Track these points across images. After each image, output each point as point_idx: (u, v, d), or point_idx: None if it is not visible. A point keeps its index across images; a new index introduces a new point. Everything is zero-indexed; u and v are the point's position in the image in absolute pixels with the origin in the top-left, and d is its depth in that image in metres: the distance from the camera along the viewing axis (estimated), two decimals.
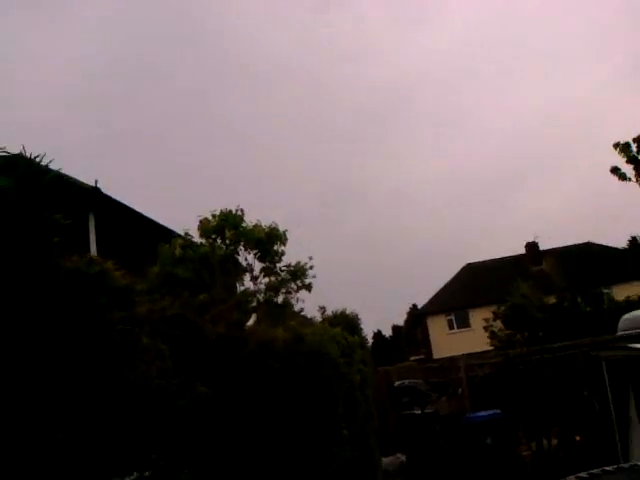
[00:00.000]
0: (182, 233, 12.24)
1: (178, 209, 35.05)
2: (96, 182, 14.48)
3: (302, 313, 12.90)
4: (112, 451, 3.63)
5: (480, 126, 79.48)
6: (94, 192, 14.35)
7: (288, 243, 12.86)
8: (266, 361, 6.24)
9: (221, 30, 77.15)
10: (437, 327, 47.47)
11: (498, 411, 14.38)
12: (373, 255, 79.36)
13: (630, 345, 8.70)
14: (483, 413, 14.48)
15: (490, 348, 26.81)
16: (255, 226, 12.59)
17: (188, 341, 5.00)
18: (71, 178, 16.75)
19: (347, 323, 11.53)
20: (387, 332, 67.72)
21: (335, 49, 79.99)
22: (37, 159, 3.89)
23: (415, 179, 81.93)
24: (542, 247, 48.99)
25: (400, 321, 66.88)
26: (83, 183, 15.27)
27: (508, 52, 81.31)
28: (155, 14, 70.66)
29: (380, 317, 73.14)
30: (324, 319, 11.69)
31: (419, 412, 17.14)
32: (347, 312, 12.16)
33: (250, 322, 9.33)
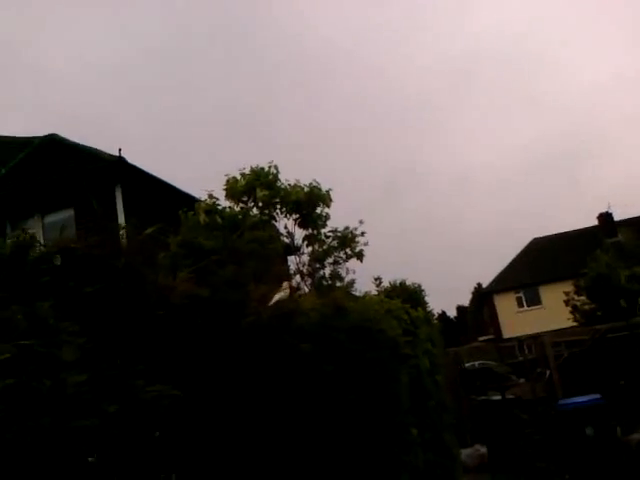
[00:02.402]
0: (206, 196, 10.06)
1: None
2: (120, 151, 12.97)
3: (353, 285, 10.54)
4: None
5: (546, 102, 75.01)
6: (119, 163, 12.92)
7: (333, 205, 10.47)
8: (284, 340, 3.90)
9: (286, 15, 75.45)
10: (505, 306, 44.05)
11: (598, 396, 11.58)
12: (435, 235, 76.16)
13: None
14: (580, 399, 11.71)
15: (566, 325, 23.92)
16: (294, 186, 10.25)
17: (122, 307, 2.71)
18: (98, 151, 15.21)
19: (408, 295, 9.07)
20: (452, 313, 64.40)
21: (396, 31, 76.91)
22: None
23: (479, 157, 78.30)
24: (616, 218, 44.71)
25: (465, 301, 63.43)
26: (109, 155, 13.82)
27: (570, 26, 76.11)
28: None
29: (444, 298, 69.70)
30: (380, 292, 9.26)
31: (499, 398, 14.52)
32: (408, 283, 9.67)
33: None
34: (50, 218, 14.49)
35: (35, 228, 14.45)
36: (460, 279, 78.57)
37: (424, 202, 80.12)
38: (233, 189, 9.75)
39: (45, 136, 18.04)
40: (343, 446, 4.70)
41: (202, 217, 9.64)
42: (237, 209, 9.96)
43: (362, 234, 10.80)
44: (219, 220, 9.80)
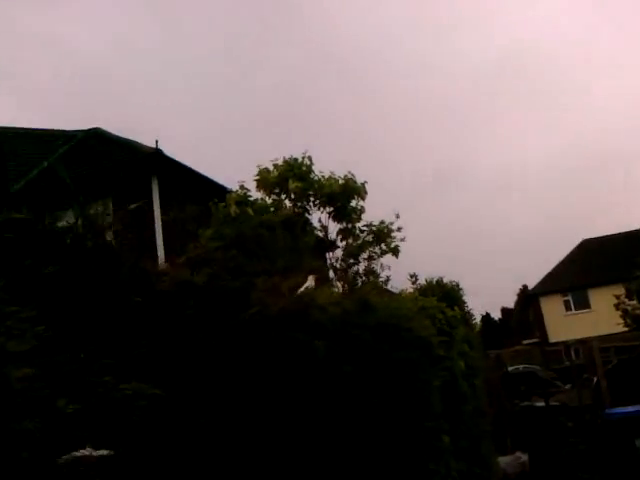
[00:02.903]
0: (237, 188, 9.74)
1: None
2: (157, 143, 12.84)
3: (388, 282, 10.05)
4: None
5: (599, 101, 72.60)
6: (156, 155, 12.80)
7: (368, 197, 10.00)
8: (293, 336, 3.50)
9: (336, 7, 75.23)
10: (552, 308, 42.60)
11: None
12: (480, 234, 74.55)
13: None
14: (629, 408, 10.96)
15: (616, 330, 22.82)
16: (328, 178, 9.83)
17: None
18: (137, 143, 15.16)
19: (445, 294, 8.55)
20: (496, 314, 62.80)
21: (445, 22, 75.58)
22: None
23: (530, 156, 76.34)
24: None
25: (510, 303, 61.76)
26: (147, 147, 13.76)
27: (625, 20, 73.28)
28: None
29: (488, 299, 68.07)
30: (415, 290, 8.77)
31: (543, 404, 13.79)
32: (445, 281, 9.14)
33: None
34: (89, 210, 14.39)
35: (73, 220, 14.48)
36: (505, 280, 76.66)
37: (470, 200, 78.58)
38: (265, 180, 9.39)
39: (89, 130, 18.14)
40: (363, 454, 4.27)
41: (233, 209, 9.33)
42: (269, 201, 9.60)
43: (399, 229, 10.29)
44: (251, 212, 9.47)
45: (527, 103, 78.64)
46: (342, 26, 73.83)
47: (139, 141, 15.07)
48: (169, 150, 13.01)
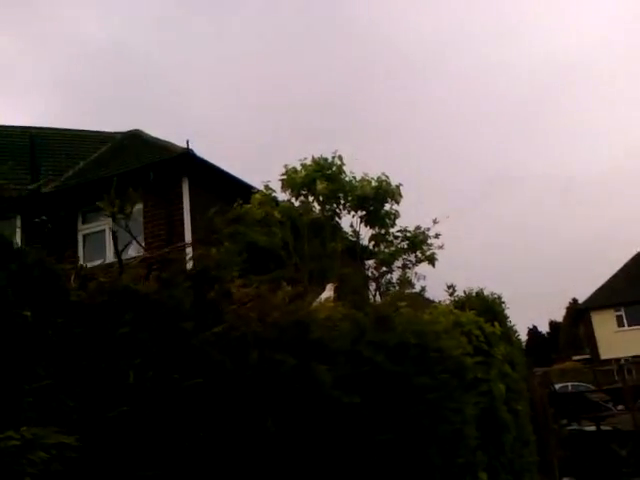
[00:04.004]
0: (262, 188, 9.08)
1: None
2: (187, 143, 12.44)
3: (423, 293, 9.19)
4: None
5: None
6: (186, 155, 12.38)
7: (405, 202, 9.19)
8: (279, 362, 2.78)
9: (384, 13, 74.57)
10: (604, 324, 40.55)
11: None
12: (530, 244, 72.19)
13: None
14: None
15: None
16: (360, 180, 9.08)
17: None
18: (170, 144, 14.78)
19: (485, 307, 7.65)
20: (543, 329, 60.46)
21: (505, 23, 73.73)
22: None
23: (582, 163, 73.63)
24: None
25: (559, 317, 59.36)
26: (181, 147, 13.39)
27: None
28: None
29: (536, 312, 65.65)
30: (452, 302, 7.89)
31: (593, 428, 12.63)
32: (485, 293, 8.22)
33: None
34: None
35: (105, 220, 14.16)
36: (555, 293, 73.86)
37: (519, 208, 76.23)
38: (292, 180, 8.70)
39: (127, 131, 17.93)
40: None
41: (258, 211, 8.67)
42: (296, 203, 8.90)
43: (436, 236, 9.44)
44: (277, 215, 8.79)
45: (583, 107, 75.94)
46: (390, 27, 73.03)
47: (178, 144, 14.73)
48: (210, 152, 12.51)
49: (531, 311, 68.07)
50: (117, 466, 2.01)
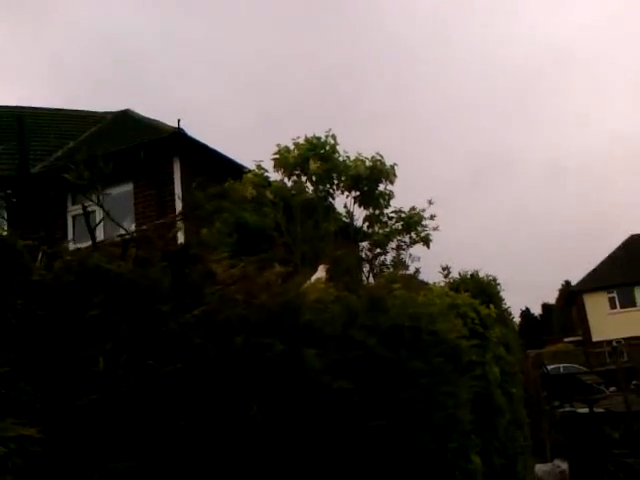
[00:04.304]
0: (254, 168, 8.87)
1: None
2: (178, 122, 12.20)
3: (417, 275, 9.04)
4: None
5: None
6: (177, 135, 12.14)
7: (397, 181, 8.99)
8: (266, 346, 2.62)
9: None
10: (596, 306, 40.68)
11: None
12: (522, 227, 72.19)
13: None
14: None
15: None
16: (355, 159, 8.87)
17: None
18: (161, 124, 14.52)
19: (480, 290, 7.52)
20: (536, 310, 60.64)
21: (489, 10, 73.04)
22: None
23: (576, 146, 73.40)
24: None
25: (551, 299, 59.57)
26: (171, 127, 13.16)
27: None
28: None
29: (528, 294, 65.80)
30: (447, 284, 7.75)
31: (586, 410, 12.60)
32: (480, 275, 8.08)
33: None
34: (110, 191, 13.89)
35: (95, 201, 13.95)
36: (547, 275, 74.07)
37: (515, 191, 76.11)
38: (284, 159, 8.48)
39: (118, 111, 17.64)
40: None
41: (249, 191, 8.46)
42: (289, 183, 8.70)
43: (432, 217, 9.26)
44: (269, 195, 8.59)
45: (578, 88, 75.54)
46: (385, 8, 72.22)
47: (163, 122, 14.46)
48: (204, 134, 12.25)
49: (524, 294, 68.19)
50: (87, 458, 1.85)
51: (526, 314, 55.35)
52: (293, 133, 8.73)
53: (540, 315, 60.54)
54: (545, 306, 60.88)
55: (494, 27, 75.70)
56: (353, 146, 8.94)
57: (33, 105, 18.38)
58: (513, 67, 74.16)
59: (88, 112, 18.53)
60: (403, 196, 9.51)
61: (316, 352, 3.08)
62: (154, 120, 15.15)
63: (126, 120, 16.57)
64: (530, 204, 74.90)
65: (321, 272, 5.42)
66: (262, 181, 8.54)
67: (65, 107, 18.81)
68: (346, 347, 3.42)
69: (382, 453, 3.56)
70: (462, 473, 5.07)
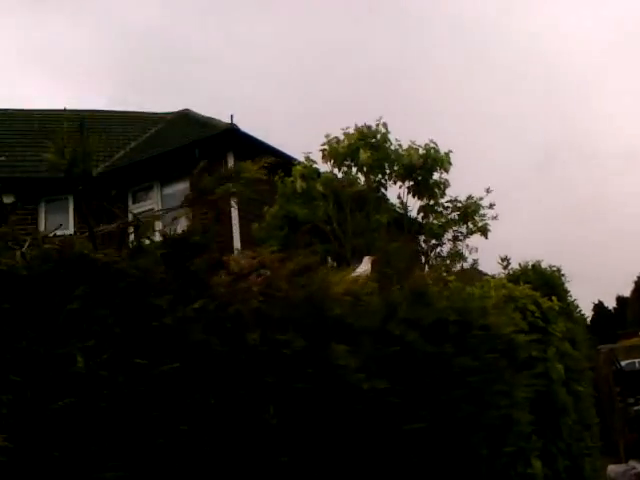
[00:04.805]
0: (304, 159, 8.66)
1: None
2: (231, 118, 12.22)
3: (476, 266, 8.60)
4: None
5: None
6: (230, 131, 12.16)
7: (453, 169, 8.57)
8: (282, 343, 2.38)
9: None
10: None
11: None
12: (596, 218, 69.04)
13: None
14: None
15: None
16: (407, 148, 8.52)
17: None
18: (216, 121, 14.58)
19: (542, 281, 7.02)
20: (610, 304, 57.81)
21: None
22: None
23: None
24: None
25: (626, 292, 56.66)
26: (223, 122, 13.22)
27: None
28: None
29: (601, 287, 62.68)
30: (506, 276, 7.29)
31: None
32: (543, 266, 7.56)
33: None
34: (167, 190, 14.13)
35: (154, 199, 14.13)
36: (623, 266, 70.55)
37: (586, 179, 72.89)
38: (334, 150, 8.22)
39: (178, 112, 17.88)
40: None
41: (299, 183, 8.25)
42: (339, 174, 8.44)
43: (491, 206, 8.78)
44: (320, 187, 8.36)
45: None
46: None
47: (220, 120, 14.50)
48: (257, 127, 12.16)
49: (597, 286, 65.22)
50: (65, 468, 1.65)
51: (599, 307, 52.90)
52: (343, 124, 8.39)
53: (614, 308, 57.71)
54: (620, 299, 57.99)
55: (571, 10, 72.35)
56: (407, 134, 8.61)
57: (97, 108, 18.91)
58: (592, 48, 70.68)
59: (149, 113, 18.89)
60: (463, 184, 9.07)
61: (347, 348, 2.82)
62: (211, 118, 15.24)
63: (184, 120, 16.78)
64: (608, 193, 71.27)
65: (366, 265, 5.13)
66: (311, 173, 8.30)
67: (122, 109, 19.24)
68: (383, 343, 3.13)
69: (425, 459, 3.26)
70: (520, 478, 4.69)
